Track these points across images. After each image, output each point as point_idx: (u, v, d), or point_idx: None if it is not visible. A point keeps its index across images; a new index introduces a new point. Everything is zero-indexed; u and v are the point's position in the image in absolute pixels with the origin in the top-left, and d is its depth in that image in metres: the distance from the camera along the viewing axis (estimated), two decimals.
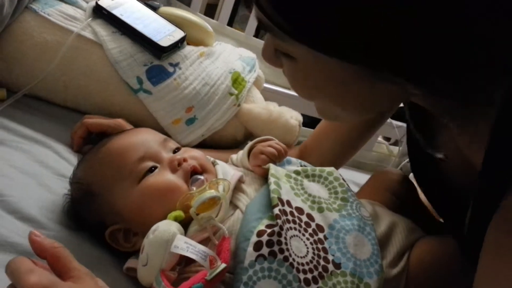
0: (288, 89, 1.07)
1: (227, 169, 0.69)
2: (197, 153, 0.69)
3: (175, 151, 0.69)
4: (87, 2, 0.91)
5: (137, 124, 0.84)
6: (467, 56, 0.43)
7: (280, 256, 0.56)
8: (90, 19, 0.87)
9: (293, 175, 0.69)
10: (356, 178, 1.09)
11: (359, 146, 0.91)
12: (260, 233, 0.57)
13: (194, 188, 0.62)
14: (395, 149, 1.27)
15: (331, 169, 0.72)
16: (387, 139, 1.34)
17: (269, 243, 0.56)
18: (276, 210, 0.59)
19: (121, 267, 0.61)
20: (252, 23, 1.35)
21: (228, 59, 0.96)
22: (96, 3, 0.88)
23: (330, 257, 0.60)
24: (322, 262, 0.59)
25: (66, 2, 0.89)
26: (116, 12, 0.88)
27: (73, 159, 0.77)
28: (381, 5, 0.40)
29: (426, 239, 0.69)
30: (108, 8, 0.87)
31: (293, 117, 0.97)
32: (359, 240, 0.63)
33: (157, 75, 0.86)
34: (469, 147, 0.54)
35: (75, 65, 0.85)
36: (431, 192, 0.74)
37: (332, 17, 0.42)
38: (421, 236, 0.70)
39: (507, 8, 0.41)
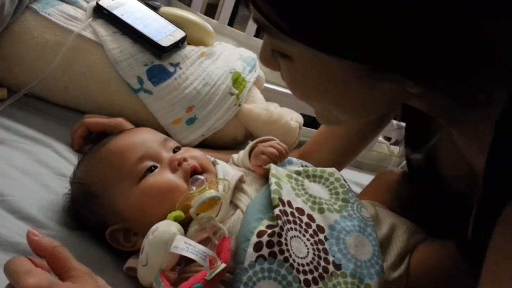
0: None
1: (228, 169, 0.69)
2: (197, 152, 0.69)
3: (175, 150, 0.69)
4: (87, 2, 0.91)
5: (138, 124, 0.84)
6: (466, 55, 0.43)
7: (280, 257, 0.56)
8: (91, 19, 0.87)
9: (294, 175, 0.69)
10: (356, 178, 1.09)
11: (358, 152, 0.91)
12: (260, 234, 0.57)
13: (194, 188, 0.62)
14: (396, 149, 1.27)
15: (332, 169, 0.72)
16: (388, 139, 1.34)
17: (269, 244, 0.56)
18: (276, 211, 0.59)
19: (121, 266, 0.61)
20: (253, 23, 1.34)
21: (229, 59, 0.96)
22: (97, 3, 0.88)
23: (331, 258, 0.60)
24: (322, 263, 0.59)
25: (66, 2, 0.89)
26: (116, 12, 0.88)
27: (74, 158, 0.77)
28: (375, 3, 0.40)
29: (426, 243, 0.69)
30: (108, 8, 0.87)
31: (293, 118, 0.96)
32: (359, 241, 0.63)
33: (158, 75, 0.86)
34: (468, 149, 0.54)
35: (76, 65, 0.85)
36: (429, 194, 0.74)
37: (327, 15, 0.42)
38: (422, 239, 0.69)
39: (507, 7, 0.41)
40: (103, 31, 0.86)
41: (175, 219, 0.58)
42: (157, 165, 0.65)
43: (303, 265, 0.57)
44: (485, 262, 0.46)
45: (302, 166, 0.74)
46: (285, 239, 0.57)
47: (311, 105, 0.57)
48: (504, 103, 0.46)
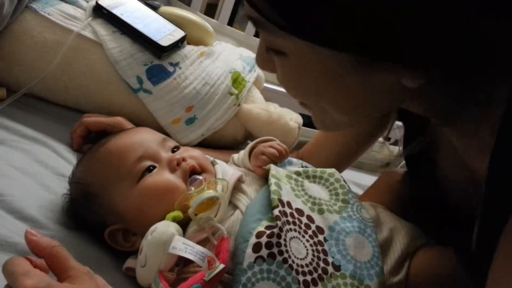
0: None
1: (227, 169, 0.69)
2: (196, 152, 0.69)
3: (174, 150, 0.69)
4: (87, 2, 0.90)
5: (137, 123, 0.84)
6: (466, 55, 0.42)
7: (279, 258, 0.55)
8: (90, 18, 0.87)
9: (294, 176, 0.69)
10: (356, 179, 1.09)
11: (357, 157, 0.90)
12: (259, 235, 0.56)
13: (193, 188, 0.62)
14: (395, 149, 1.27)
15: (332, 170, 0.71)
16: (387, 138, 1.34)
17: (268, 245, 0.56)
18: (276, 212, 0.59)
19: (121, 266, 0.61)
20: None
21: (228, 58, 0.96)
22: (96, 2, 0.88)
23: (330, 259, 0.60)
24: (321, 264, 0.59)
25: (66, 2, 0.89)
26: (116, 11, 0.87)
27: (73, 158, 0.77)
28: (375, 3, 0.40)
29: (426, 249, 0.68)
30: (108, 8, 0.87)
31: (292, 119, 0.96)
32: (359, 242, 0.63)
33: (157, 74, 0.86)
34: (468, 150, 0.54)
35: (75, 64, 0.85)
36: (428, 195, 0.74)
37: (324, 9, 0.41)
38: (422, 243, 0.68)
39: (507, 7, 0.41)
40: (102, 31, 0.86)
41: (174, 220, 0.57)
42: (156, 165, 0.65)
43: (302, 266, 0.57)
44: (491, 270, 0.46)
45: (302, 166, 0.74)
46: (284, 240, 0.57)
47: (307, 109, 0.56)
48: (505, 103, 0.45)
